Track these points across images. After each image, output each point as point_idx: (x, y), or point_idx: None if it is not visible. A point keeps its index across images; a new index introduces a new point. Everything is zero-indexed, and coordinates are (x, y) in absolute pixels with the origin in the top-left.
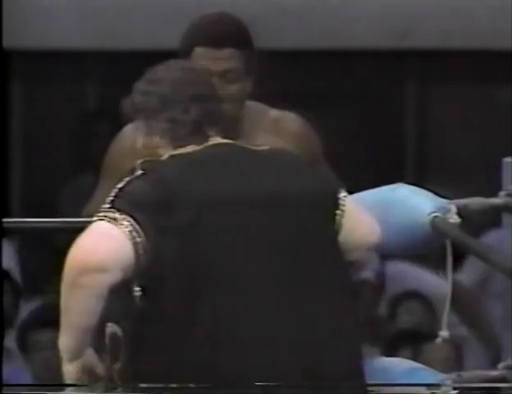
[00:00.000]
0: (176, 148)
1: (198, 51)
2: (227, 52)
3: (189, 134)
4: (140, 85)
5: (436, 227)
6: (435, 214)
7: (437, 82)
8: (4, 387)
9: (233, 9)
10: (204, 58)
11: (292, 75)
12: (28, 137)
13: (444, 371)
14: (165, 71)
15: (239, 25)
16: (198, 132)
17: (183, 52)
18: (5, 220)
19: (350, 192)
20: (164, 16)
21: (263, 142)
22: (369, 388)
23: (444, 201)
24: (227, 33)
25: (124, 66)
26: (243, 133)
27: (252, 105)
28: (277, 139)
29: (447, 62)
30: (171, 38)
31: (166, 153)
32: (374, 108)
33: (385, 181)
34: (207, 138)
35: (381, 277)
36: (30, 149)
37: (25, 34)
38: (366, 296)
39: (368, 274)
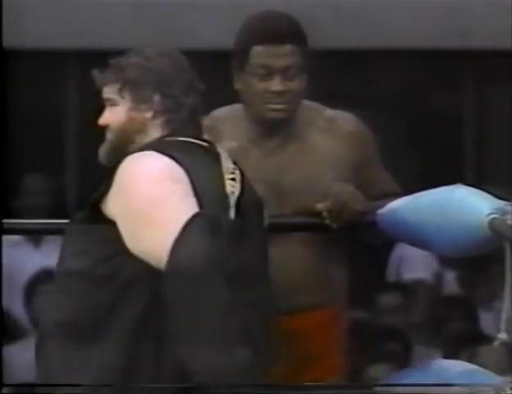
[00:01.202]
0: (168, 129)
1: (258, 49)
2: (287, 48)
3: (186, 119)
4: (131, 60)
5: (495, 229)
6: (493, 215)
7: (496, 82)
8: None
9: (289, 8)
10: (264, 56)
11: (349, 74)
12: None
13: (501, 374)
14: (157, 52)
15: (294, 21)
16: (191, 120)
17: (239, 52)
18: (5, 221)
19: (409, 192)
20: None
21: (317, 141)
22: (426, 388)
23: (502, 202)
24: (286, 29)
25: None
26: (296, 132)
27: (307, 104)
28: (332, 139)
29: (507, 63)
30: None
31: (153, 131)
32: (433, 109)
33: (444, 182)
34: (196, 129)
35: (438, 277)
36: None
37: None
38: (422, 297)
39: (424, 275)
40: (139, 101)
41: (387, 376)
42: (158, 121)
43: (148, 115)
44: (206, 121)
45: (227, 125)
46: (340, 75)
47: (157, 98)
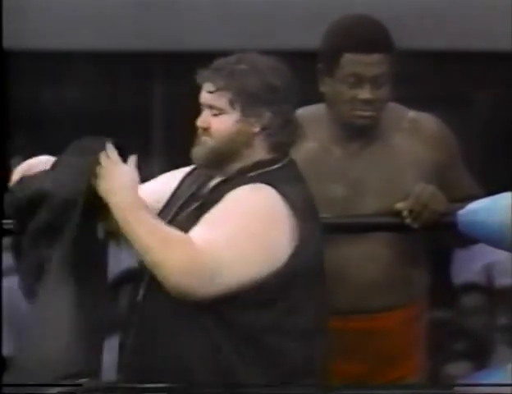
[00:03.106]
0: (274, 146)
1: (349, 57)
2: (379, 57)
3: (291, 135)
4: (241, 67)
5: None
6: None
7: None
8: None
9: (374, 9)
10: (356, 64)
11: (434, 76)
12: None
13: None
14: (266, 64)
15: (383, 28)
16: (294, 137)
17: (328, 56)
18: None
19: (490, 193)
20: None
21: (400, 143)
22: (506, 388)
23: None
24: (376, 37)
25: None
26: (379, 133)
27: (390, 106)
28: (415, 141)
29: None
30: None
31: (259, 147)
32: None
33: None
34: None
35: (490, 281)
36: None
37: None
38: (480, 300)
39: (476, 278)
40: (249, 115)
41: (468, 375)
42: (265, 137)
43: (256, 129)
44: None
45: (311, 124)
46: (425, 76)
47: (268, 114)
